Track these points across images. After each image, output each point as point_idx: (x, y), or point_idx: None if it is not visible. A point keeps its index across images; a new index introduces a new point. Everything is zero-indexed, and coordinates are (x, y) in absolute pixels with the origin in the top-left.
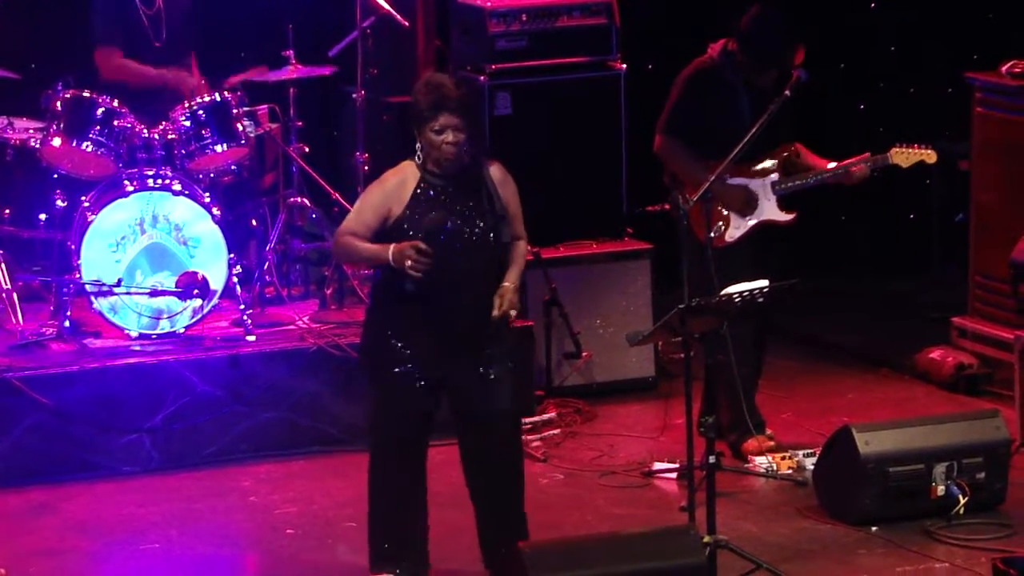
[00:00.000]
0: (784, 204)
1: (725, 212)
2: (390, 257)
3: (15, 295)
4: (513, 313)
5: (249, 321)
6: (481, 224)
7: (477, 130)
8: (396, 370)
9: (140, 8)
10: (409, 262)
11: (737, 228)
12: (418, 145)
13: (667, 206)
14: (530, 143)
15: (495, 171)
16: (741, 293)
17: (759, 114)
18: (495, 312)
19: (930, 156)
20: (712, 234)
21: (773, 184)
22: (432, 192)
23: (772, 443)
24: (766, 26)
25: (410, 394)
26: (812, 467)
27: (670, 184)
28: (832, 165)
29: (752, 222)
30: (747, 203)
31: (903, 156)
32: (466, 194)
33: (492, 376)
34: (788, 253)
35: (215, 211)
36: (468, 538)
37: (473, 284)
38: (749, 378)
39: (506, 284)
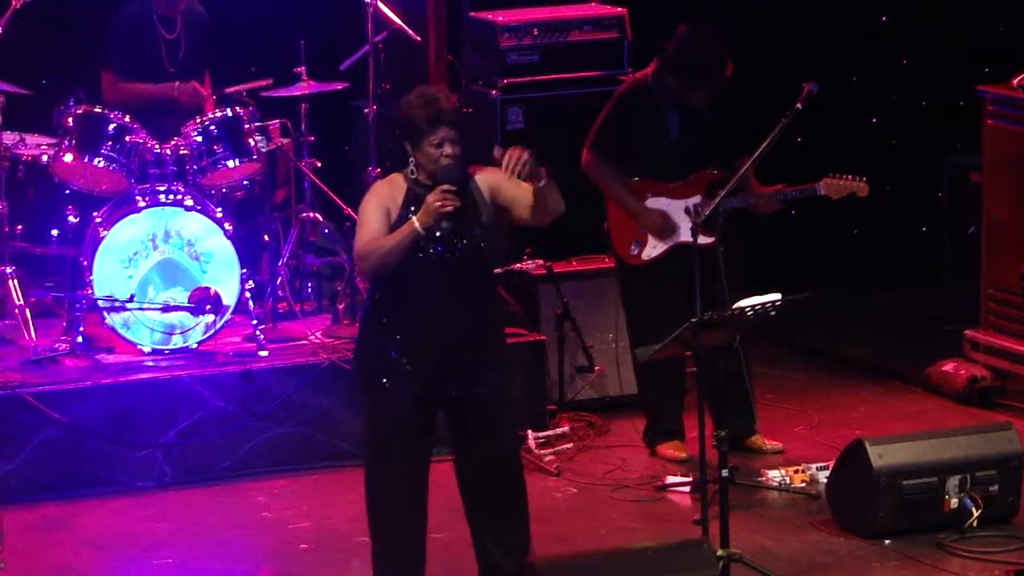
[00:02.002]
0: (704, 227)
1: (643, 231)
2: (416, 223)
3: (28, 311)
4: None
5: (262, 336)
6: (469, 234)
7: (464, 138)
8: (388, 386)
9: (160, 32)
10: (438, 203)
11: (654, 248)
12: (411, 160)
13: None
14: (542, 157)
15: (478, 178)
16: (754, 307)
17: (688, 133)
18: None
19: (862, 189)
20: (633, 251)
21: (696, 206)
22: (421, 202)
23: (683, 455)
24: (694, 47)
25: (403, 410)
26: (825, 480)
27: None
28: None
29: (669, 243)
30: (664, 224)
31: (833, 187)
32: (460, 198)
33: (486, 390)
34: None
35: (227, 226)
36: (467, 554)
37: (464, 296)
38: (682, 385)
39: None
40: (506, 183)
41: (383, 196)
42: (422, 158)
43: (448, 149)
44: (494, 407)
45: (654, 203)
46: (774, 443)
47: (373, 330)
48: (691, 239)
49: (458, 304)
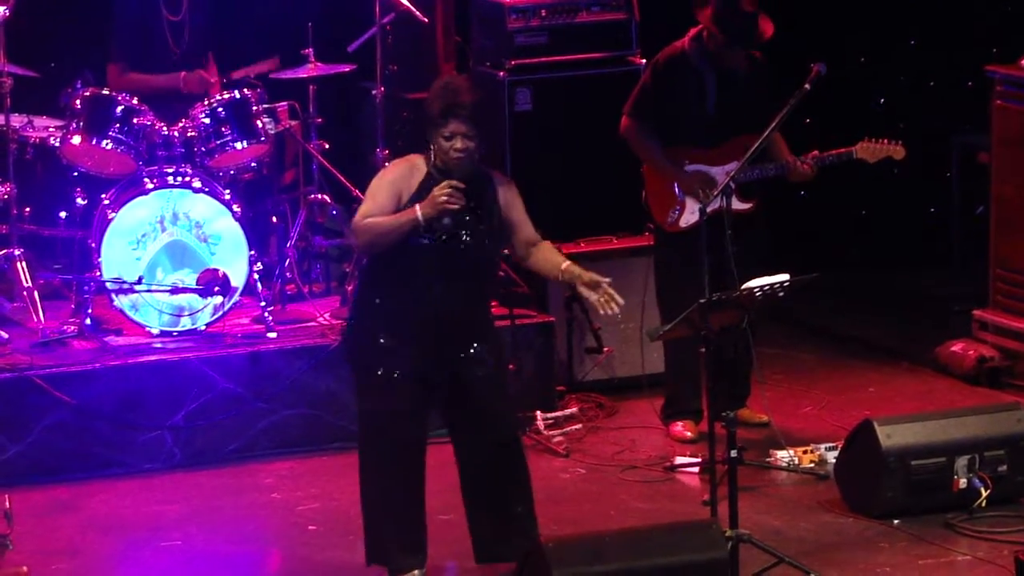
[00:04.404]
0: (743, 192)
1: (681, 197)
2: (419, 212)
3: (36, 293)
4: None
5: (270, 318)
6: (480, 227)
7: (487, 135)
8: (381, 368)
9: (164, 15)
10: (443, 198)
11: (693, 214)
12: (432, 145)
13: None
14: (550, 139)
15: (499, 186)
16: (762, 287)
17: (725, 99)
18: (607, 305)
19: (898, 152)
20: (671, 218)
21: (732, 172)
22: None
23: (690, 435)
24: (732, 4)
25: (396, 392)
26: (834, 461)
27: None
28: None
29: (708, 209)
30: (703, 186)
31: (869, 151)
32: (468, 197)
33: (479, 374)
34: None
35: (235, 208)
36: (464, 536)
37: (463, 283)
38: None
39: (565, 265)
40: (518, 207)
41: (399, 177)
42: (435, 147)
43: (458, 144)
44: (485, 392)
45: (692, 169)
46: (760, 415)
47: (365, 312)
48: (732, 204)
49: (456, 287)
